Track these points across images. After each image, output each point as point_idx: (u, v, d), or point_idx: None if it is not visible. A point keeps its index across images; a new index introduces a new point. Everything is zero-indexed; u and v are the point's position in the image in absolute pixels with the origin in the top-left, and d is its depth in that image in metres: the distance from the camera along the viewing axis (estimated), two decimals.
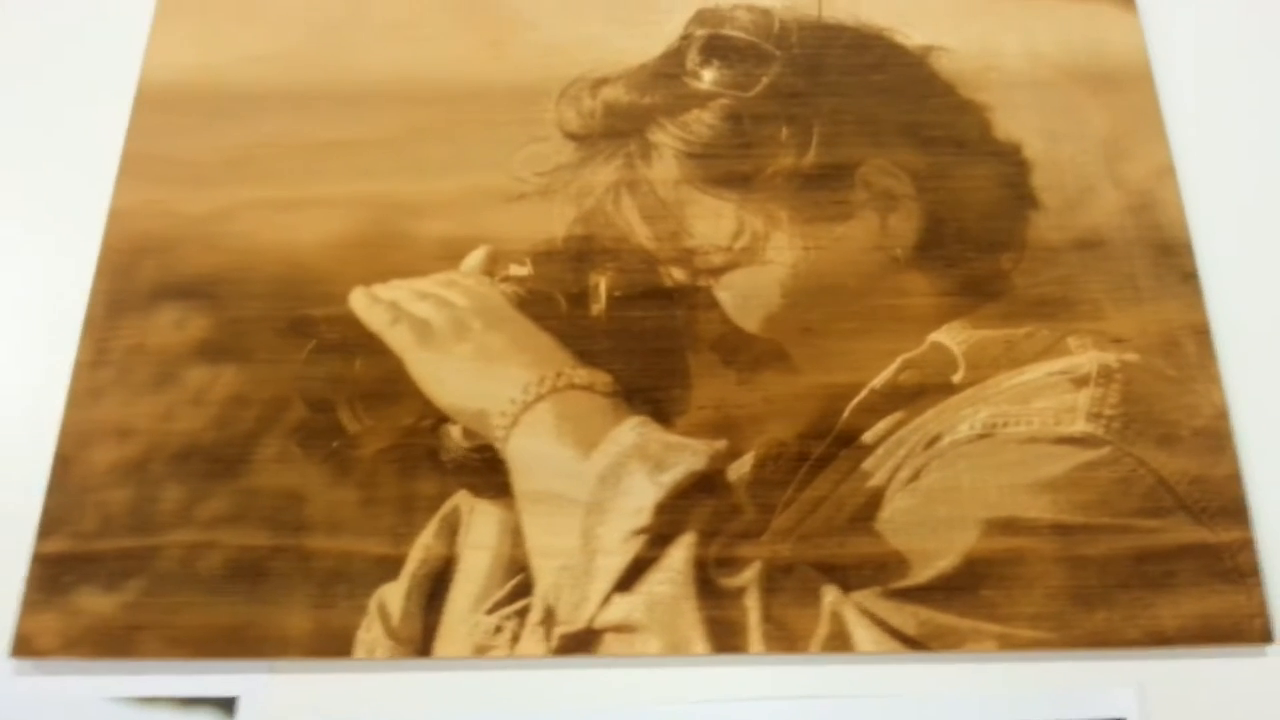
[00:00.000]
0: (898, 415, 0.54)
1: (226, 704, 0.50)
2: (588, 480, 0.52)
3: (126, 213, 0.60)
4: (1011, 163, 0.61)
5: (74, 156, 0.63)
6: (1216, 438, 0.54)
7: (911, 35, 0.65)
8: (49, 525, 0.52)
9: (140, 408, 0.55)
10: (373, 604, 0.51)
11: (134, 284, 0.58)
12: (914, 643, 0.49)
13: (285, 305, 0.57)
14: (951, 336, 0.56)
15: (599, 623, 0.50)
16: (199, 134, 0.62)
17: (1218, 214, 0.60)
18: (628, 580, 0.51)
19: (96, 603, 0.51)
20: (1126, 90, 0.63)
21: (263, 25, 0.66)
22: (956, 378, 0.55)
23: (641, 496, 0.52)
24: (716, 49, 0.64)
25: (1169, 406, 0.54)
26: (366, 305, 0.57)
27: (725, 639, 0.50)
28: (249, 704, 0.50)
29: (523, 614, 0.51)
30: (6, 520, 0.53)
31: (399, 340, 0.56)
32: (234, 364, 0.56)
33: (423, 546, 0.52)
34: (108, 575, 0.51)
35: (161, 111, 0.63)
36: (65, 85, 0.65)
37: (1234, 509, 0.52)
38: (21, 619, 0.50)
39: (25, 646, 0.50)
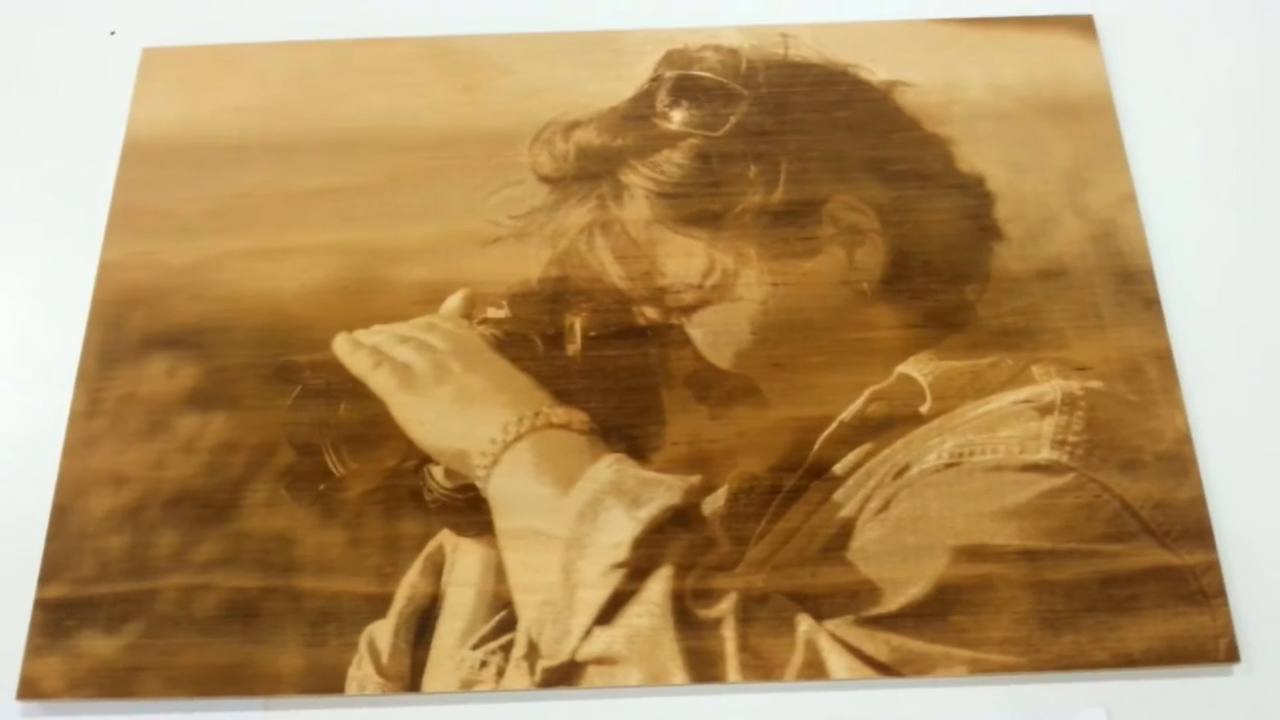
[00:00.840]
0: (867, 446, 0.55)
1: None
2: (567, 517, 0.54)
3: (116, 265, 0.61)
4: (975, 195, 0.62)
5: (65, 210, 0.64)
6: (1180, 462, 0.55)
7: (876, 71, 0.66)
8: (49, 571, 0.54)
9: (133, 456, 0.56)
10: (363, 641, 0.52)
11: (124, 334, 0.59)
12: (886, 669, 0.51)
13: (270, 352, 0.59)
14: (918, 368, 0.57)
15: (581, 655, 0.51)
16: (184, 186, 0.64)
17: (1179, 241, 0.61)
18: (608, 613, 0.52)
19: (98, 645, 0.52)
20: (1088, 120, 0.64)
21: (244, 77, 0.67)
22: (924, 408, 0.56)
23: (619, 532, 0.53)
24: (685, 90, 0.65)
25: (1132, 432, 0.55)
26: (349, 350, 0.58)
27: (703, 669, 0.51)
28: None
29: (507, 649, 0.52)
30: (9, 567, 0.54)
31: (382, 384, 0.57)
32: (223, 411, 0.57)
33: (409, 585, 0.53)
34: (107, 619, 0.53)
35: (147, 164, 0.64)
36: (53, 140, 0.67)
37: (1198, 531, 0.53)
38: (26, 663, 0.52)
39: (31, 689, 0.51)
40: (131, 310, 0.60)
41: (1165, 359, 0.57)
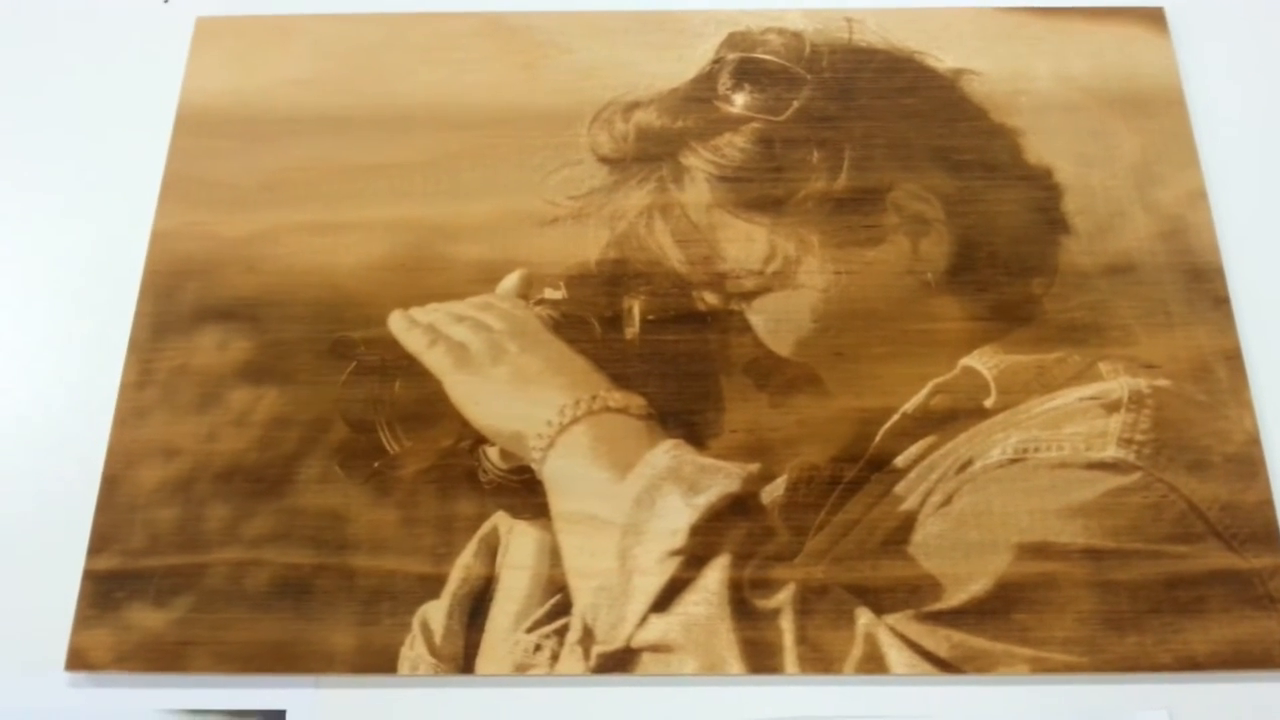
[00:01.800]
0: (929, 439, 0.54)
1: (275, 716, 0.51)
2: (623, 502, 0.53)
3: (168, 235, 0.61)
4: (1042, 187, 0.61)
5: (117, 180, 0.64)
6: (1248, 464, 0.54)
7: (942, 58, 0.65)
8: (98, 543, 0.54)
9: (184, 428, 0.56)
10: (416, 622, 0.52)
11: (177, 306, 0.59)
12: (947, 665, 0.50)
13: (325, 327, 0.58)
14: (983, 361, 0.56)
15: (636, 642, 0.51)
16: (237, 157, 0.63)
17: (1249, 239, 0.60)
18: (664, 601, 0.51)
19: (147, 618, 0.52)
20: (1158, 114, 0.63)
21: (298, 49, 0.66)
22: (988, 402, 0.55)
23: (676, 518, 0.53)
24: (748, 73, 0.64)
25: (1200, 432, 0.54)
26: (405, 328, 0.58)
27: (761, 660, 0.51)
28: (297, 717, 0.51)
29: (561, 633, 0.52)
30: (59, 537, 0.54)
31: (437, 363, 0.57)
32: (276, 385, 0.57)
33: (463, 566, 0.53)
34: (157, 592, 0.52)
35: (201, 135, 0.64)
36: (106, 109, 0.66)
37: (1265, 535, 0.52)
38: (75, 634, 0.52)
39: (79, 660, 0.51)
40: (184, 281, 0.60)
41: (1234, 359, 0.57)
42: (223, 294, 0.59)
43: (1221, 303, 0.58)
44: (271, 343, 0.58)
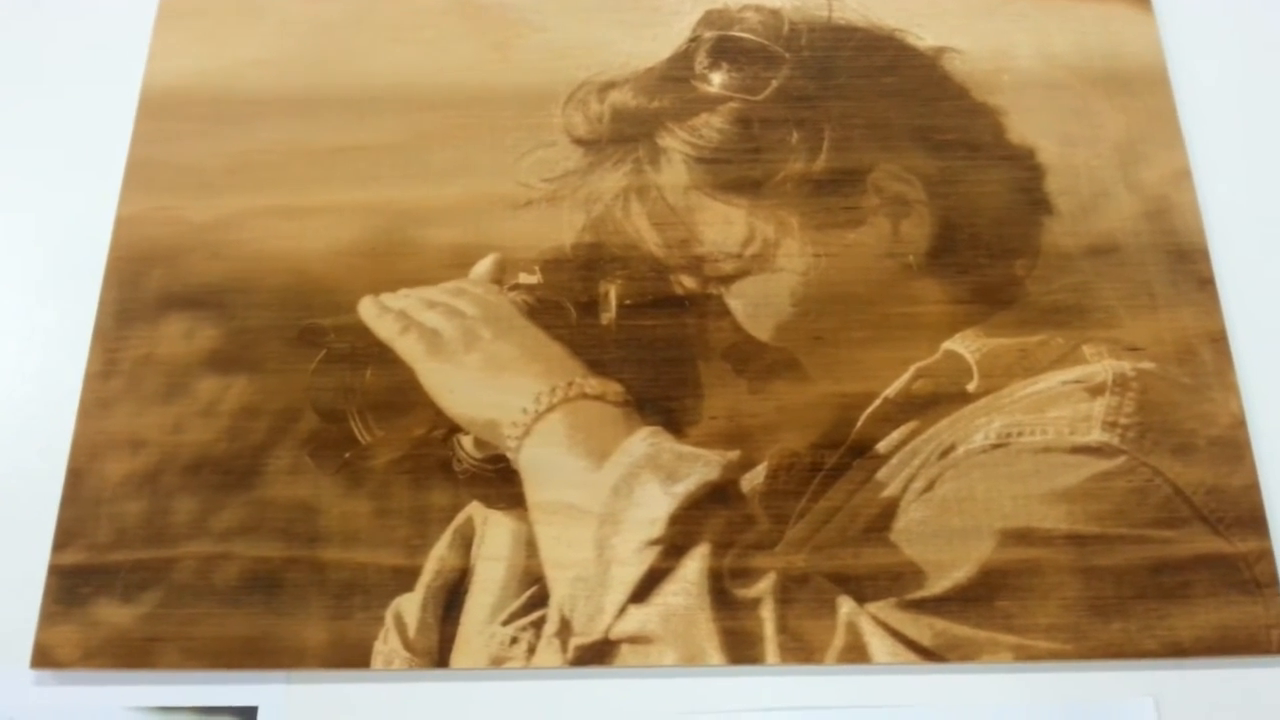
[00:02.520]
0: (912, 424, 0.54)
1: (246, 713, 0.50)
2: (601, 491, 0.52)
3: (133, 220, 0.60)
4: (1025, 167, 0.60)
5: (79, 164, 0.62)
6: (1234, 447, 0.53)
7: (923, 36, 0.64)
8: (64, 537, 0.52)
9: (151, 419, 0.55)
10: (389, 615, 0.51)
11: (142, 293, 0.58)
12: (930, 654, 0.49)
13: (294, 314, 0.57)
14: (965, 345, 0.56)
15: (614, 634, 0.50)
16: (203, 140, 0.62)
17: (1235, 219, 0.60)
18: (642, 591, 0.51)
19: (114, 614, 0.51)
20: (1142, 93, 0.62)
21: (265, 29, 0.65)
22: (971, 386, 0.55)
23: (655, 507, 0.52)
24: (725, 51, 0.63)
25: (1185, 415, 0.54)
26: (375, 314, 0.57)
27: (741, 650, 0.50)
28: (268, 713, 0.50)
29: (538, 625, 0.51)
30: (23, 532, 0.53)
31: (409, 350, 0.56)
32: (244, 374, 0.56)
33: (437, 558, 0.52)
34: (124, 587, 0.51)
35: (165, 117, 0.62)
36: (68, 91, 0.65)
37: (1251, 519, 0.52)
38: (40, 630, 0.51)
39: (45, 658, 0.50)
40: (149, 268, 0.59)
41: (1220, 341, 0.56)
42: (189, 281, 0.58)
43: (1206, 284, 0.57)
44: (239, 330, 0.57)
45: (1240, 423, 0.54)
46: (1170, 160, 0.61)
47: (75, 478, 0.54)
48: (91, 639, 0.50)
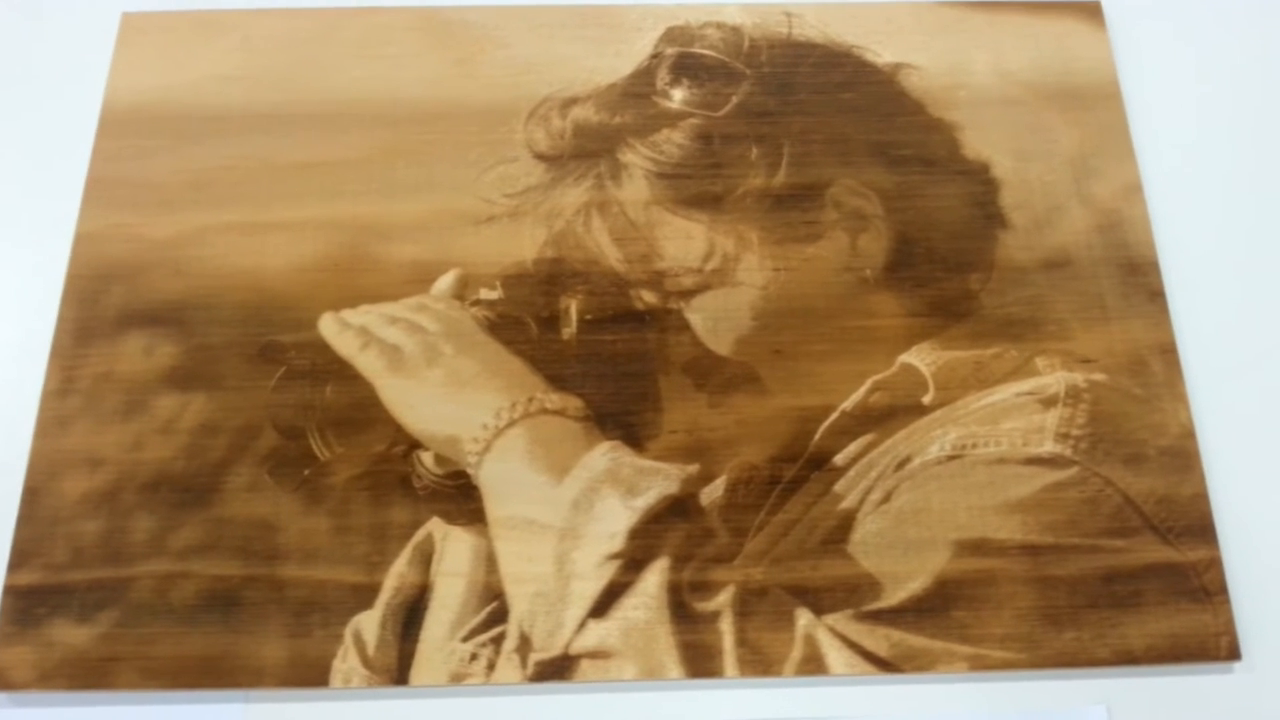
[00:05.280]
0: (869, 437, 0.54)
1: None
2: (561, 506, 0.52)
3: (92, 237, 0.59)
4: (980, 182, 0.61)
5: (38, 181, 0.62)
6: (1183, 457, 0.54)
7: (881, 53, 0.65)
8: (19, 557, 0.52)
9: (109, 437, 0.55)
10: (348, 633, 0.51)
11: (101, 310, 0.57)
12: (886, 664, 0.50)
13: (253, 331, 0.57)
14: (921, 358, 0.56)
15: (574, 649, 0.50)
16: (164, 156, 0.61)
17: (1185, 233, 0.61)
18: (602, 606, 0.51)
19: (70, 635, 0.50)
20: (1095, 108, 0.63)
21: (227, 45, 0.65)
22: (926, 399, 0.55)
23: (615, 521, 0.52)
24: (686, 68, 0.63)
25: (1136, 426, 0.55)
26: (336, 331, 0.57)
27: (700, 663, 0.50)
28: None
29: (498, 641, 0.51)
30: None
31: (369, 366, 0.55)
32: (203, 392, 0.56)
33: (397, 575, 0.52)
34: (81, 607, 0.51)
35: (126, 134, 0.62)
36: (28, 107, 0.64)
37: (1201, 528, 0.53)
38: None
39: (0, 680, 0.50)
40: (108, 285, 0.58)
41: (1170, 352, 0.57)
42: (148, 298, 0.58)
43: (1157, 296, 0.58)
44: (198, 347, 0.57)
45: (1189, 433, 0.55)
46: (1122, 174, 0.62)
47: (32, 496, 0.53)
48: (47, 660, 0.50)
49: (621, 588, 0.51)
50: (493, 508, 0.53)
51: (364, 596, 0.51)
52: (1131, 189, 0.61)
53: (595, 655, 0.50)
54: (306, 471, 0.54)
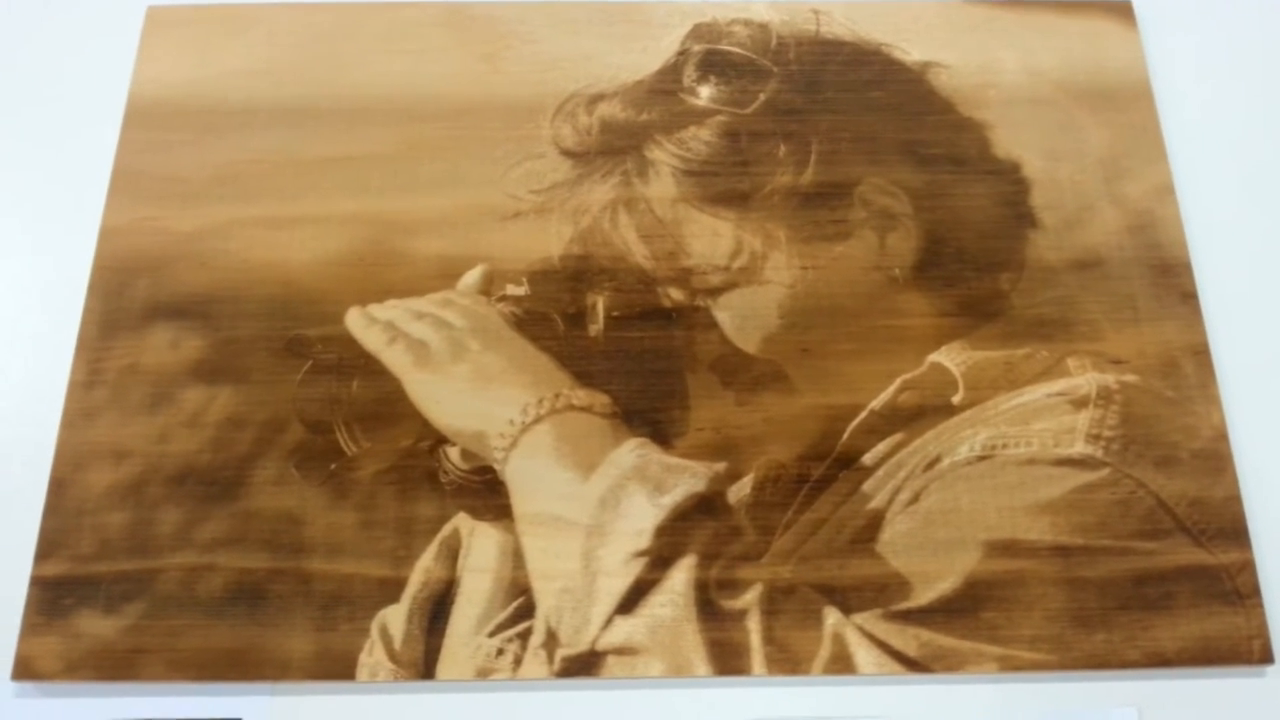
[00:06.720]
0: (897, 437, 0.54)
1: None
2: (588, 502, 0.52)
3: (118, 230, 0.59)
4: (1010, 181, 0.61)
5: (64, 174, 0.62)
6: (1216, 459, 0.54)
7: (910, 51, 0.65)
8: (46, 548, 0.52)
9: (135, 429, 0.55)
10: (374, 627, 0.51)
11: (126, 303, 0.58)
12: (915, 664, 0.50)
13: (280, 325, 0.57)
14: (950, 357, 0.56)
15: (601, 645, 0.50)
16: (189, 150, 0.62)
17: (1217, 234, 0.60)
18: (629, 603, 0.51)
19: (97, 625, 0.51)
20: (1126, 108, 0.63)
21: (252, 39, 0.65)
22: (956, 399, 0.55)
23: (642, 519, 0.52)
24: (713, 65, 0.63)
25: (1168, 428, 0.54)
26: (363, 325, 0.57)
27: (727, 661, 0.50)
28: None
29: (525, 636, 0.51)
30: (5, 542, 0.53)
31: (396, 361, 0.55)
32: (229, 385, 0.56)
33: (423, 569, 0.52)
34: (107, 598, 0.51)
35: (151, 127, 0.62)
36: (55, 101, 0.64)
37: (1233, 530, 0.52)
38: (22, 642, 0.50)
39: (26, 669, 0.50)
40: (134, 278, 0.58)
41: (1202, 354, 0.56)
42: (174, 291, 0.58)
43: (1189, 298, 0.58)
44: (225, 341, 0.57)
45: (1222, 435, 0.54)
46: (1154, 175, 0.61)
47: (58, 488, 0.53)
48: (74, 651, 0.50)
49: (648, 585, 0.51)
50: (519, 503, 0.53)
51: (390, 591, 0.51)
52: (1163, 190, 0.61)
53: (622, 652, 0.50)
54: (333, 466, 0.54)
